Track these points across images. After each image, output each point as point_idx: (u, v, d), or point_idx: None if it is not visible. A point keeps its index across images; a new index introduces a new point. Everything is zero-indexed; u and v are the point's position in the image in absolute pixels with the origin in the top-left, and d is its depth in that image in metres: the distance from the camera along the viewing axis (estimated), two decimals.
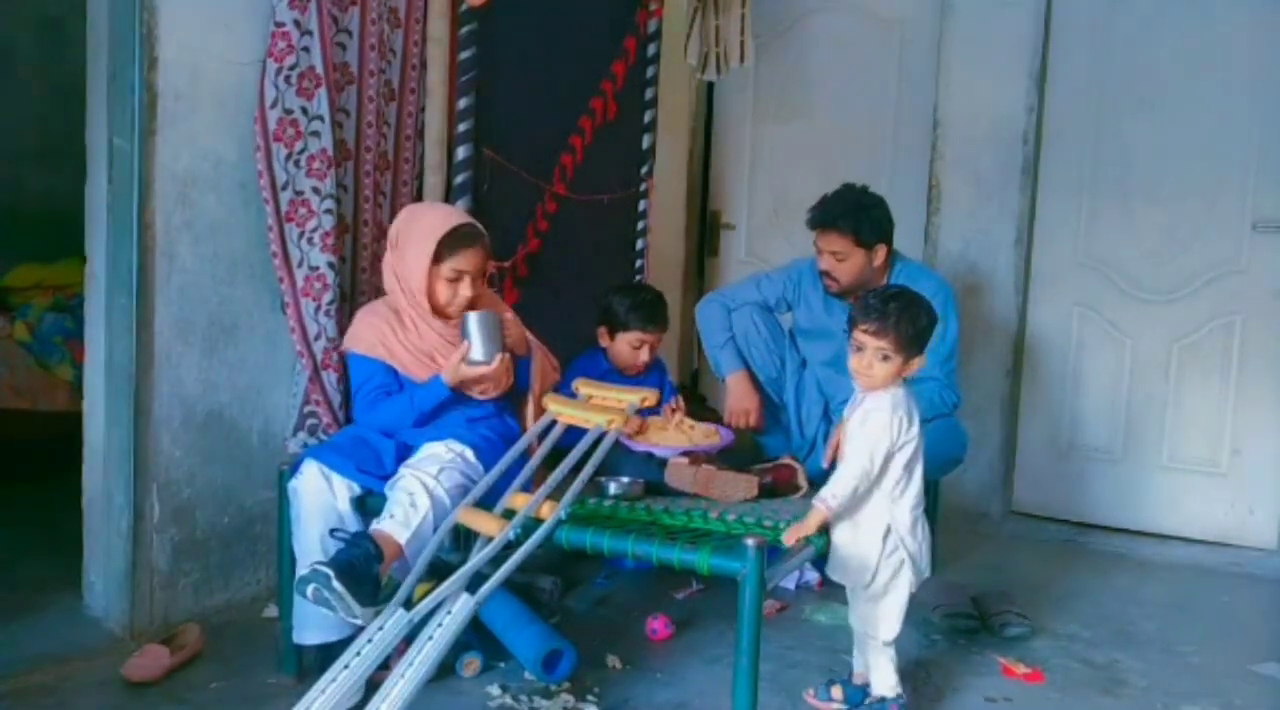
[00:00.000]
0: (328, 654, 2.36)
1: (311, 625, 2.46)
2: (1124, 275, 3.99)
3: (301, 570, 2.24)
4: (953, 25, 4.13)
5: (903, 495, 2.35)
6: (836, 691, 2.51)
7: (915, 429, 2.35)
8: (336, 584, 2.12)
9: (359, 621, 2.17)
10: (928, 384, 3.03)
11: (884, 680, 2.42)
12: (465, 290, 2.64)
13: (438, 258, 2.60)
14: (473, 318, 2.59)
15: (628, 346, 3.10)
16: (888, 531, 2.34)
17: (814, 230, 3.18)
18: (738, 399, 3.29)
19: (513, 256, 3.41)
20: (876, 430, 2.31)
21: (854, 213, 3.12)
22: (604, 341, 3.15)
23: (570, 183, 3.64)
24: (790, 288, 3.34)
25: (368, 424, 2.63)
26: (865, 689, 2.47)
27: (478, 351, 2.57)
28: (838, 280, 3.17)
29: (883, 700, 2.42)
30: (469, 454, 2.50)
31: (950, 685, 2.67)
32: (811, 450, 3.27)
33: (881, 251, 3.16)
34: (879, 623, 2.39)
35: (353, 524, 2.46)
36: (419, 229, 2.64)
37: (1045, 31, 4.02)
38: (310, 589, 2.14)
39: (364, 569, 2.19)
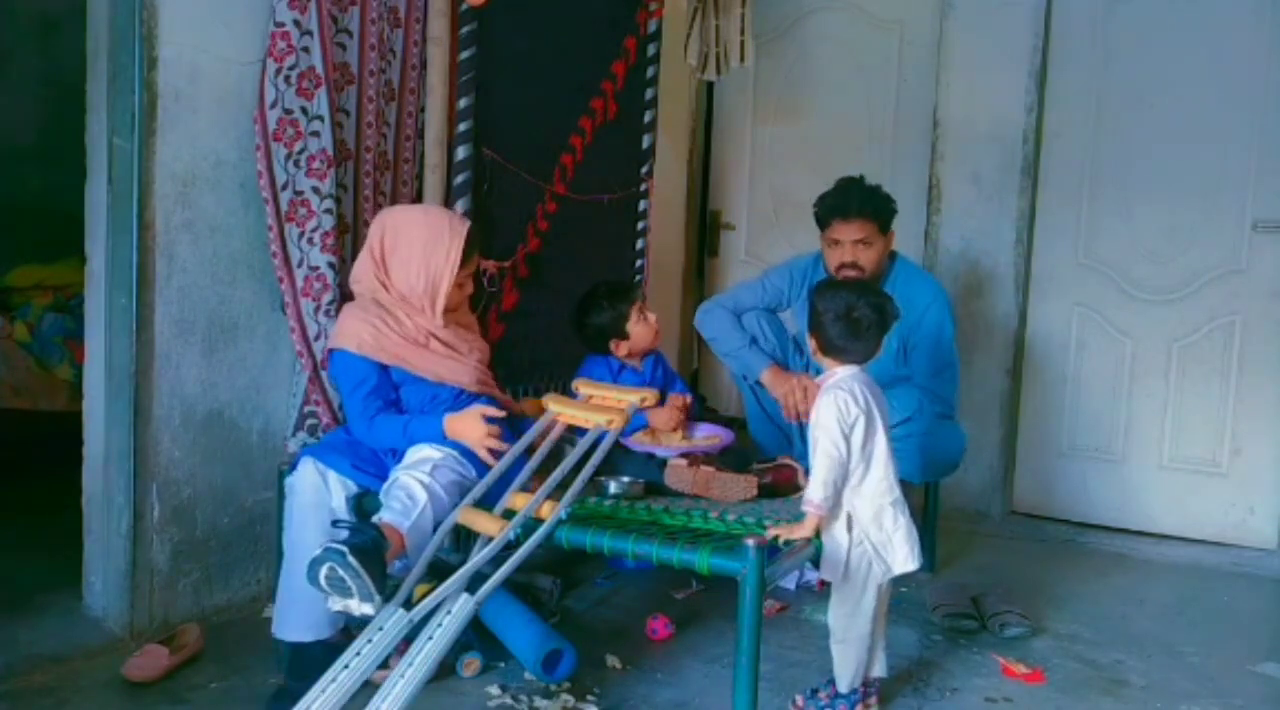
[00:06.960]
0: (300, 655, 2.35)
1: (293, 621, 2.39)
2: (1124, 275, 3.99)
3: (313, 552, 2.10)
4: (953, 25, 4.14)
5: (860, 483, 2.35)
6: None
7: (862, 405, 2.33)
8: (352, 560, 2.02)
9: (371, 609, 2.07)
10: (914, 392, 3.06)
11: (843, 676, 2.42)
12: (470, 287, 2.73)
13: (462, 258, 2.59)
14: None
15: (641, 328, 3.05)
16: (850, 521, 2.35)
17: (834, 219, 3.12)
18: (782, 383, 3.13)
19: (513, 256, 3.41)
20: (824, 415, 2.33)
21: (872, 199, 3.14)
22: (620, 351, 3.06)
23: (570, 183, 3.64)
24: (795, 283, 3.32)
25: (361, 436, 2.58)
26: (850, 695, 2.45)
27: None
28: (863, 269, 3.11)
29: (835, 697, 2.43)
30: (459, 454, 2.49)
31: (950, 685, 2.67)
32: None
33: (891, 239, 3.19)
34: (846, 619, 2.39)
35: None
36: (436, 229, 2.59)
37: (1045, 31, 4.02)
38: (324, 570, 2.03)
39: (374, 552, 2.10)
